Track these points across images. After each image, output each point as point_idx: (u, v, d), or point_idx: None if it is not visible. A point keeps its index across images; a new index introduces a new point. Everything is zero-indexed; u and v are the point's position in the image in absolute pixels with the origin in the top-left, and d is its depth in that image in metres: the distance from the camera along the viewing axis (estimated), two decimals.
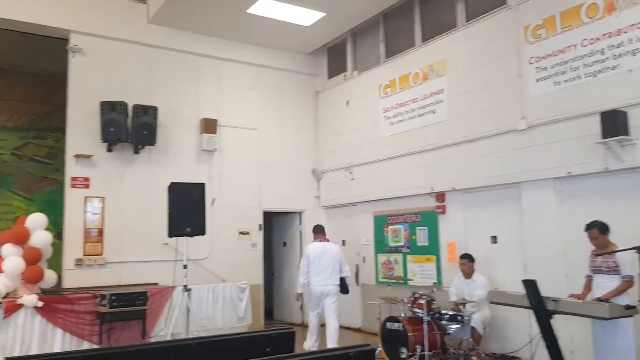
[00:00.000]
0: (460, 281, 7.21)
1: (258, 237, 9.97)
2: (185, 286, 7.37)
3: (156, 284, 8.46)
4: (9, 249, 6.99)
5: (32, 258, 7.19)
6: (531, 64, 7.02)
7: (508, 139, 7.22)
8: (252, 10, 8.82)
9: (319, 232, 7.85)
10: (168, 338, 7.14)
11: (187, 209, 7.45)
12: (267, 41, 10.13)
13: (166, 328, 7.41)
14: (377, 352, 7.10)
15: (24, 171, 11.30)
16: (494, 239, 7.52)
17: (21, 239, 7.22)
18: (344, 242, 10.24)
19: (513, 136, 7.15)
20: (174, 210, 7.44)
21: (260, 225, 10.02)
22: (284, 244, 11.05)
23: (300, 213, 10.67)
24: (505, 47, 7.36)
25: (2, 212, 10.69)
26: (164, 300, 7.68)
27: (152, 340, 7.30)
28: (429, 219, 8.48)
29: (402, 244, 8.99)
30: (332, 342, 7.16)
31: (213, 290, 8.15)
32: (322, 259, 7.41)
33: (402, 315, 6.97)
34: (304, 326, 10.11)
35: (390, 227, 9.23)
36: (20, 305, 6.59)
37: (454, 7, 8.36)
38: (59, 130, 11.19)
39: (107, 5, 8.93)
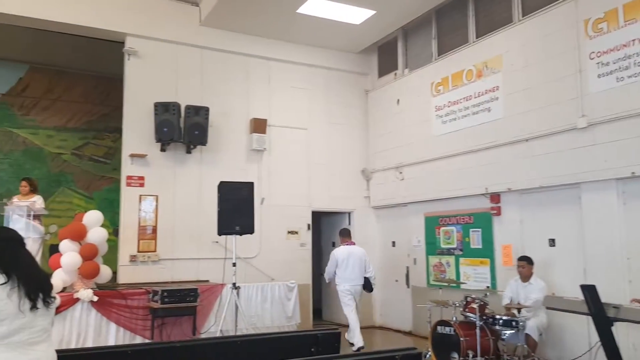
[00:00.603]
0: (516, 284, 6.94)
1: (307, 236, 9.95)
2: (234, 284, 7.43)
3: (207, 281, 8.59)
4: (67, 244, 7.25)
5: (89, 254, 7.44)
6: (592, 59, 6.64)
7: (567, 138, 6.86)
8: (302, 10, 8.81)
9: (345, 235, 8.47)
10: (217, 335, 7.21)
11: (236, 208, 7.52)
12: (316, 41, 10.10)
13: (216, 325, 7.49)
14: (427, 356, 6.94)
15: (84, 170, 11.77)
16: (552, 242, 7.17)
17: (78, 235, 7.48)
18: (393, 243, 10.07)
19: (572, 135, 6.79)
20: (223, 208, 7.52)
21: (308, 225, 10.00)
22: (333, 244, 10.93)
23: (349, 213, 10.57)
24: (564, 42, 7.00)
25: (63, 210, 11.15)
26: (214, 298, 7.76)
27: (203, 336, 7.40)
28: (483, 221, 8.20)
29: (454, 246, 8.75)
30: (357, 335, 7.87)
31: (262, 289, 8.18)
32: (349, 262, 8.08)
33: (454, 319, 6.77)
34: None
35: (442, 228, 8.99)
36: (77, 300, 6.83)
37: (509, 1, 8.05)
38: (117, 130, 11.58)
39: (161, 8, 9.15)
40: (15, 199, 7.73)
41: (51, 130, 11.56)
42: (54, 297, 2.77)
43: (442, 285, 8.01)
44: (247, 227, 7.61)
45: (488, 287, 7.82)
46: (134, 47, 8.94)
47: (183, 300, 7.21)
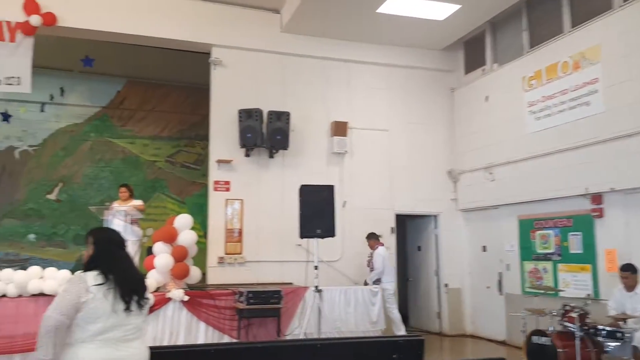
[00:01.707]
0: (620, 294, 6.31)
1: (390, 240, 9.71)
2: (316, 287, 7.39)
3: (291, 283, 8.63)
4: (159, 247, 7.58)
5: (180, 255, 7.74)
6: None
7: None
8: (382, 9, 8.67)
9: (376, 238, 8.84)
10: (301, 337, 7.20)
11: (317, 211, 7.50)
12: (397, 39, 9.88)
13: (299, 327, 7.48)
14: None
15: (176, 176, 12.33)
16: None
17: (170, 237, 7.80)
18: (484, 248, 9.59)
19: None
20: (304, 212, 7.53)
21: (392, 229, 9.76)
22: (419, 248, 10.65)
23: (435, 216, 10.20)
24: None
25: (158, 214, 11.73)
26: (298, 300, 7.77)
27: (287, 338, 7.42)
28: (584, 224, 7.60)
29: (552, 250, 8.17)
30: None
31: (345, 293, 8.06)
32: (388, 262, 8.72)
33: (551, 329, 6.30)
34: (442, 335, 9.66)
35: (538, 232, 8.43)
36: (169, 299, 7.11)
37: None
38: (206, 138, 11.97)
39: (243, 18, 9.38)
40: (115, 204, 8.23)
41: (146, 139, 12.23)
42: (147, 299, 2.88)
43: (538, 293, 7.48)
44: (328, 230, 7.56)
45: (589, 295, 7.17)
46: (219, 57, 9.24)
47: (267, 302, 7.28)
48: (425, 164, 10.12)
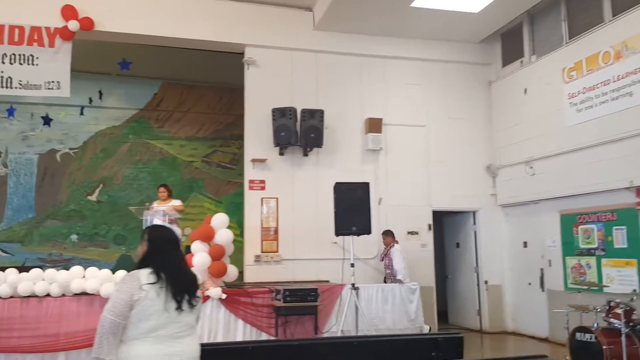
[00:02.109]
0: None
1: (428, 237, 9.59)
2: (353, 285, 7.34)
3: (327, 281, 8.61)
4: (197, 245, 7.68)
5: (217, 254, 7.82)
6: None
7: None
8: (416, 3, 8.56)
9: (392, 235, 8.59)
10: (339, 335, 7.17)
11: (352, 209, 7.44)
12: (432, 34, 9.73)
13: (337, 325, 7.45)
14: None
15: (213, 176, 12.48)
16: None
17: (207, 236, 7.89)
18: (525, 244, 9.36)
19: None
20: (339, 209, 7.49)
21: (429, 225, 9.63)
22: (457, 245, 10.47)
23: (474, 212, 10.01)
24: None
25: (196, 214, 11.87)
26: (334, 298, 7.74)
27: (324, 336, 7.41)
28: (629, 218, 7.37)
29: (595, 245, 7.93)
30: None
31: (382, 290, 7.98)
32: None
33: (595, 325, 6.12)
34: (483, 332, 9.49)
35: (581, 226, 8.19)
36: (207, 297, 7.19)
37: None
38: (241, 138, 12.08)
39: (276, 17, 9.41)
40: (155, 204, 8.38)
41: (183, 140, 12.42)
42: (199, 297, 2.90)
43: (581, 289, 7.25)
44: (363, 228, 7.49)
45: (635, 290, 6.94)
46: (252, 56, 9.29)
47: (304, 300, 7.27)
48: (463, 159, 9.94)
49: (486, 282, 9.73)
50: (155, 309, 2.72)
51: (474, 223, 9.98)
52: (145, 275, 2.79)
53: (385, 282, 8.57)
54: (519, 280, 9.52)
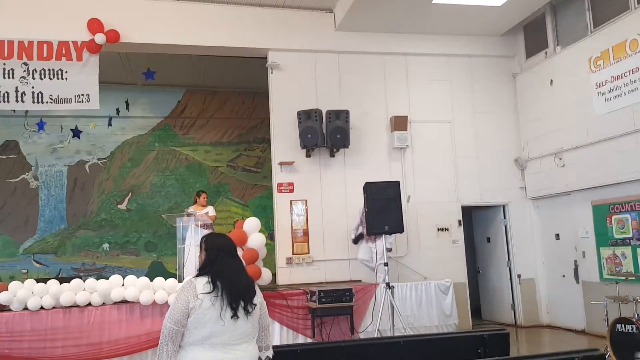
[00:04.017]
0: None
1: (458, 233, 9.54)
2: (387, 284, 7.36)
3: (359, 281, 8.65)
4: None
5: (251, 258, 7.93)
6: None
7: None
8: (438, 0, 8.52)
9: None
10: (375, 334, 7.20)
11: (383, 208, 7.45)
12: (454, 29, 9.68)
13: (372, 324, 7.48)
14: (606, 356, 6.27)
15: (238, 180, 12.60)
16: None
17: (241, 240, 8.00)
18: (557, 236, 9.26)
19: None
20: (370, 209, 7.52)
21: (459, 221, 9.57)
22: (488, 240, 10.41)
23: (504, 206, 9.92)
24: None
25: (223, 218, 12.02)
26: (369, 297, 7.78)
27: (361, 335, 7.45)
28: None
29: (629, 235, 7.81)
30: None
31: (416, 288, 8.01)
32: None
33: (636, 316, 6.04)
34: (517, 326, 9.43)
35: (615, 216, 8.07)
36: None
37: None
38: (264, 141, 12.28)
39: (297, 20, 9.45)
40: (191, 209, 8.51)
41: (208, 145, 12.56)
42: (255, 304, 2.93)
43: (618, 279, 7.14)
44: (396, 226, 7.50)
45: None
46: (275, 60, 9.33)
47: (339, 300, 7.33)
48: (490, 153, 9.87)
49: (519, 276, 9.66)
50: (209, 317, 2.78)
51: (504, 217, 9.89)
52: (201, 284, 2.85)
53: (355, 242, 8.62)
54: (552, 272, 9.42)
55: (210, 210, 8.52)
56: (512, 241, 9.80)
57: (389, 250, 8.16)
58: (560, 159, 9.02)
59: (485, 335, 4.32)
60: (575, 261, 8.81)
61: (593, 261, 8.43)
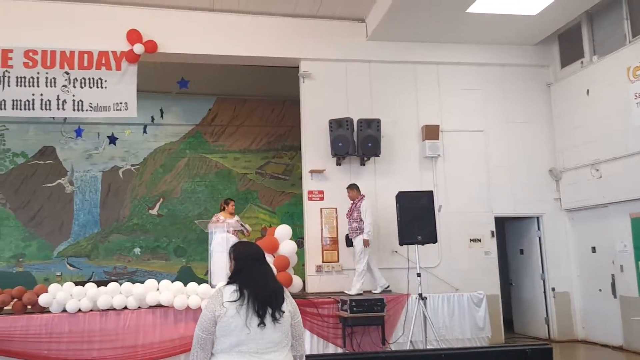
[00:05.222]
0: None
1: (491, 244, 9.42)
2: (420, 294, 7.30)
3: (389, 291, 8.59)
4: None
5: (282, 265, 7.96)
6: None
7: None
8: (472, 9, 8.48)
9: (359, 189, 8.53)
10: (407, 346, 7.15)
11: (416, 217, 7.45)
12: (488, 38, 9.62)
13: (404, 336, 7.43)
14: None
15: (266, 187, 12.66)
16: None
17: (272, 248, 8.05)
18: (593, 249, 9.07)
19: None
20: (403, 218, 7.49)
21: (492, 232, 9.46)
22: (521, 252, 10.24)
23: (537, 217, 9.76)
24: None
25: (251, 224, 11.98)
26: (400, 308, 7.73)
27: (392, 346, 7.40)
28: None
29: None
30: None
31: (448, 299, 7.94)
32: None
33: None
34: (551, 341, 9.25)
35: None
36: None
37: None
38: (293, 149, 12.36)
39: (329, 29, 9.51)
40: (221, 216, 8.57)
41: (237, 153, 12.67)
42: (283, 312, 2.87)
43: None
44: (429, 237, 7.47)
45: None
46: (307, 69, 9.40)
47: (371, 310, 7.29)
48: (524, 163, 9.74)
49: (553, 289, 9.47)
50: (235, 325, 2.76)
51: (538, 228, 9.73)
52: (228, 292, 2.84)
53: (347, 238, 8.50)
54: (588, 286, 9.22)
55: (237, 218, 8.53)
56: (546, 253, 9.63)
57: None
58: (597, 170, 8.85)
59: (527, 350, 4.24)
60: (613, 275, 8.61)
61: (632, 275, 8.22)
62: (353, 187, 8.51)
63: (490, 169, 9.63)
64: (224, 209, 8.76)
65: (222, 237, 8.16)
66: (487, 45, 9.83)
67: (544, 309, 9.56)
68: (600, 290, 8.91)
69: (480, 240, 9.36)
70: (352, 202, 8.47)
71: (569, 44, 9.76)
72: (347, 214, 8.55)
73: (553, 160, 9.85)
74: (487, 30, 9.27)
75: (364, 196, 8.40)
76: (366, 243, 8.10)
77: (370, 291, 8.33)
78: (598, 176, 8.83)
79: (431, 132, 9.44)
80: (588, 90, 9.08)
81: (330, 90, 9.41)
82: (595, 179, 8.89)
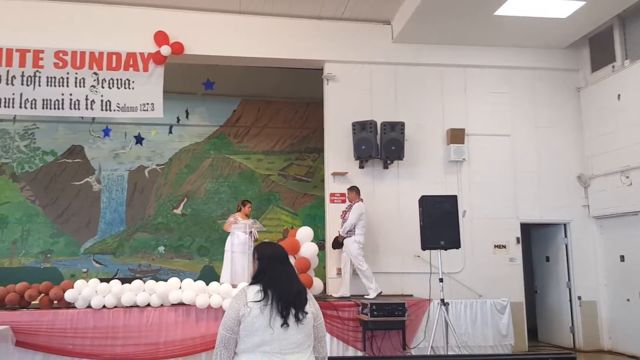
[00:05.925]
0: None
1: (516, 251, 9.26)
2: (442, 300, 7.21)
3: (411, 295, 8.52)
4: None
5: (303, 267, 7.95)
6: None
7: None
8: (501, 11, 8.37)
9: (359, 193, 8.53)
10: (428, 351, 7.06)
11: (439, 222, 7.32)
12: (516, 40, 9.47)
13: (425, 341, 7.35)
14: None
15: (289, 189, 12.72)
16: None
17: (293, 249, 8.05)
18: (622, 258, 8.85)
19: None
20: (426, 223, 7.40)
21: (518, 239, 9.29)
22: (547, 259, 10.04)
23: (565, 224, 9.55)
24: None
25: (273, 226, 12.18)
26: (421, 313, 7.65)
27: (413, 352, 7.32)
28: None
29: None
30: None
31: (470, 306, 7.82)
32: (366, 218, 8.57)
33: None
34: (577, 350, 9.05)
35: None
36: None
37: None
38: (315, 151, 12.38)
39: (354, 32, 9.49)
40: (239, 217, 8.61)
41: (260, 154, 12.75)
42: (307, 313, 2.87)
43: None
44: (452, 242, 7.35)
45: None
46: (331, 72, 9.39)
47: (392, 314, 7.22)
48: (552, 169, 9.55)
49: (579, 298, 9.26)
50: (259, 325, 2.77)
51: (565, 236, 9.52)
52: (253, 292, 2.86)
53: (336, 239, 8.53)
54: (616, 296, 8.99)
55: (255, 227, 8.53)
56: (572, 261, 9.42)
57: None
58: (627, 177, 8.63)
59: (550, 359, 4.16)
60: None
61: None
62: (353, 190, 8.53)
63: (516, 174, 9.47)
64: (240, 210, 8.81)
65: (245, 238, 8.26)
66: (516, 48, 9.68)
67: (570, 318, 9.35)
68: (628, 300, 8.68)
69: (505, 247, 9.21)
70: (349, 204, 8.50)
71: (600, 48, 9.55)
72: (341, 215, 8.56)
73: (582, 166, 9.64)
74: (516, 33, 9.13)
75: (361, 200, 8.41)
76: (340, 238, 8.33)
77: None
78: (628, 183, 8.61)
79: (456, 136, 9.33)
80: (619, 95, 8.87)
81: (354, 93, 9.38)
82: (625, 186, 8.67)
